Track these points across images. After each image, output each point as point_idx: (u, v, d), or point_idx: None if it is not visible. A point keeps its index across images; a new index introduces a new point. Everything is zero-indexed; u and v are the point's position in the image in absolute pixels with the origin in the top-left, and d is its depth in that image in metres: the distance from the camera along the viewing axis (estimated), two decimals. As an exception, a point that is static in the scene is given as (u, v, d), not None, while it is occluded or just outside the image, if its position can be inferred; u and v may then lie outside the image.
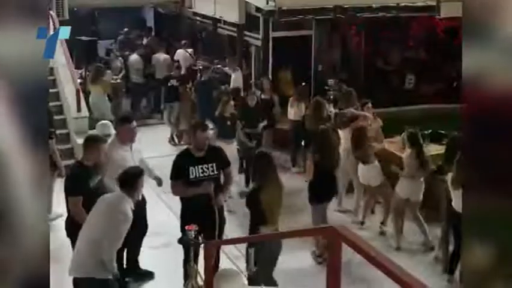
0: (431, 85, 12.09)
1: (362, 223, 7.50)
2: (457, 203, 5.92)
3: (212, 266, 4.75)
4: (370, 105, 8.13)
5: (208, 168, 5.38)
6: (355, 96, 8.43)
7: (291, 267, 6.09)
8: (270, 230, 5.00)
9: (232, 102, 8.55)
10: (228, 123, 8.25)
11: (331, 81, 10.31)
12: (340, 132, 7.79)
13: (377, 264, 3.10)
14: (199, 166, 5.33)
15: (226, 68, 11.26)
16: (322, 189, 6.62)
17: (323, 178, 6.58)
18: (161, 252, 6.09)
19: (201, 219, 4.88)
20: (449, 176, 6.08)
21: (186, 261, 5.00)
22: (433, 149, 7.76)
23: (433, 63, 12.14)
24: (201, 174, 5.33)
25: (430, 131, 8.37)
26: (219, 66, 11.93)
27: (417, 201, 6.89)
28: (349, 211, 7.78)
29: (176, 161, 5.47)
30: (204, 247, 4.67)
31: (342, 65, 11.64)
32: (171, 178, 5.43)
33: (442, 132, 8.27)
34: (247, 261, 5.00)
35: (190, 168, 5.30)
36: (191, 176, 5.31)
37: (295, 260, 6.29)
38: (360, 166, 7.35)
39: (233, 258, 6.07)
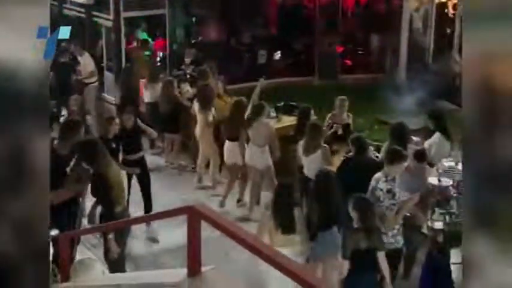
0: (282, 59, 12.63)
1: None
2: (308, 169, 6.36)
3: (68, 257, 4.65)
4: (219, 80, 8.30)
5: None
6: (209, 73, 8.58)
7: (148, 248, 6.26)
8: (122, 209, 5.07)
9: (117, 121, 6.78)
10: (113, 145, 6.39)
11: (187, 60, 10.33)
12: (198, 114, 7.87)
13: (237, 239, 3.28)
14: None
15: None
16: None
17: None
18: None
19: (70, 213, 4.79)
20: (300, 144, 6.48)
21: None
22: (286, 120, 8.19)
23: (282, 38, 12.66)
24: None
25: (282, 103, 8.78)
26: (66, 50, 11.33)
27: (267, 168, 7.10)
28: (209, 187, 7.96)
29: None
30: (59, 239, 4.56)
31: (199, 44, 11.69)
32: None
33: (294, 104, 8.71)
34: (108, 248, 4.97)
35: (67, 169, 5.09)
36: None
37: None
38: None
39: (91, 247, 5.97)
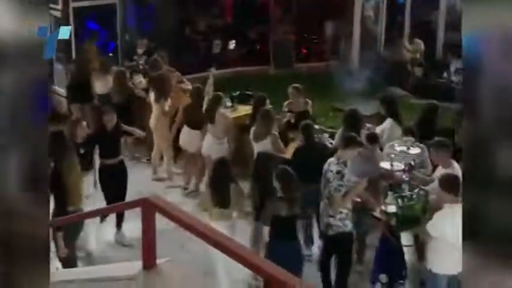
0: (237, 49, 12.58)
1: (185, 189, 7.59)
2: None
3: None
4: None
5: None
6: (161, 63, 8.50)
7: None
8: (75, 209, 5.05)
9: (84, 123, 6.21)
10: (82, 151, 5.87)
11: (140, 51, 10.17)
12: (154, 104, 7.77)
13: (192, 230, 3.27)
14: None
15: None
16: None
17: None
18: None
19: None
20: (251, 131, 6.50)
21: None
22: (242, 110, 8.18)
23: (237, 27, 12.61)
24: None
25: (238, 92, 8.75)
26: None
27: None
28: (165, 178, 7.88)
29: None
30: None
31: (151, 34, 11.50)
32: None
33: (249, 93, 8.70)
34: (57, 246, 4.93)
35: None
36: None
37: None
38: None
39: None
